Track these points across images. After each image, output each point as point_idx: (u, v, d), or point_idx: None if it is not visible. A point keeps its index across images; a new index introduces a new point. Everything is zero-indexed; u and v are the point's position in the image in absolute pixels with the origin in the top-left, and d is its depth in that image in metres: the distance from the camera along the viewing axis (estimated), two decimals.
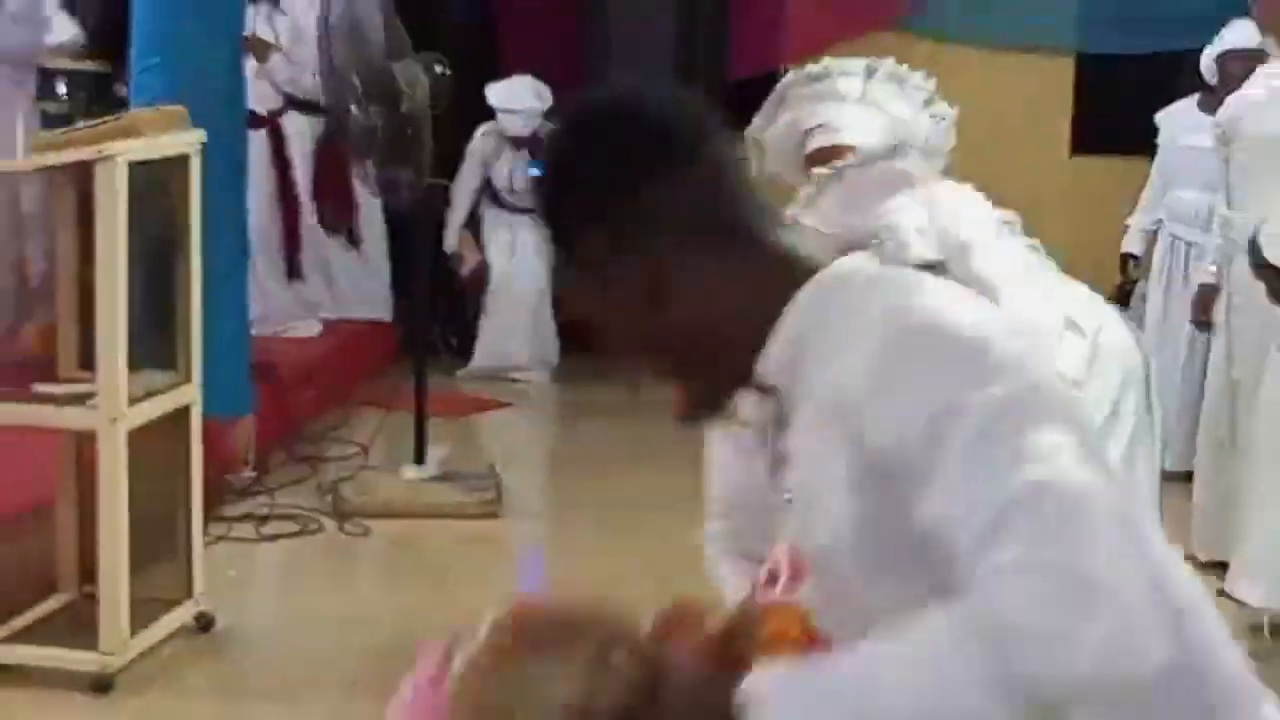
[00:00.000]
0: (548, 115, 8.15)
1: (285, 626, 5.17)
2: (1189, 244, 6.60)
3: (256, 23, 7.65)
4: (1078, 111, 9.42)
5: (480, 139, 8.37)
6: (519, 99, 8.18)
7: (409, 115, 6.67)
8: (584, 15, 8.57)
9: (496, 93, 8.22)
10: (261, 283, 7.52)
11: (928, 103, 3.25)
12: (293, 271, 7.98)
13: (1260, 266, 4.84)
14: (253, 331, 6.62)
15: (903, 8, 8.75)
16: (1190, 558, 5.61)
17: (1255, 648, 5.05)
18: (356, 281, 8.42)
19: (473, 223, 8.52)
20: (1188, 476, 6.00)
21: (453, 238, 8.40)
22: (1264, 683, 1.71)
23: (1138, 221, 7.23)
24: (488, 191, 8.47)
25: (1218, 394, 5.65)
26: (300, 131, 8.06)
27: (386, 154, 7.59)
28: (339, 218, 8.24)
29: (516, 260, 8.39)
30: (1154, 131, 7.30)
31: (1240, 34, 6.21)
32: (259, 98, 7.61)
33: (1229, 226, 5.49)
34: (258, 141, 7.63)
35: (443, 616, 5.31)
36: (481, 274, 8.42)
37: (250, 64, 7.46)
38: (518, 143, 8.30)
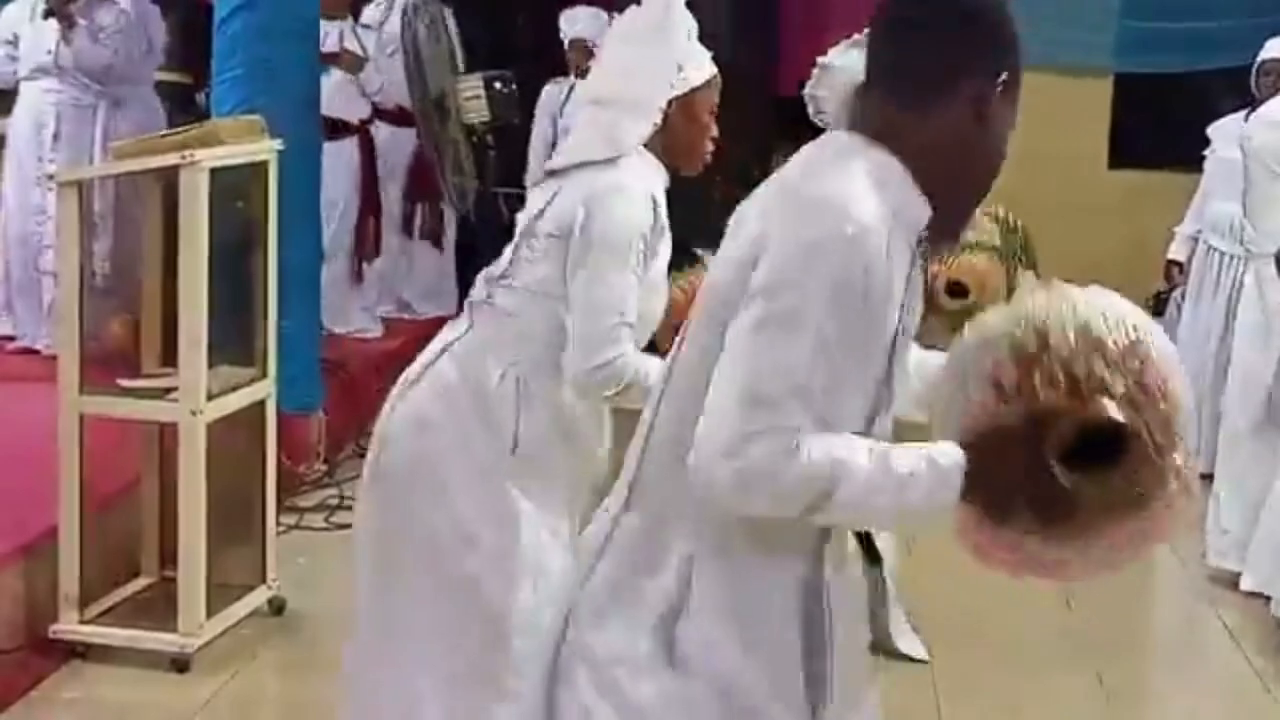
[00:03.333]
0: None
1: (353, 611, 5.19)
2: (1222, 254, 6.54)
3: (346, 37, 7.69)
4: (1115, 127, 9.39)
5: (546, 91, 8.10)
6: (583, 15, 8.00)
7: (469, 128, 6.69)
8: None
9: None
10: (334, 284, 7.52)
11: None
12: (359, 275, 7.99)
13: None
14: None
15: None
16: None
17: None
18: (428, 281, 8.43)
19: None
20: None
21: None
22: None
23: (1183, 228, 7.19)
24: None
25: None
26: (388, 141, 8.07)
27: (453, 164, 7.68)
28: (432, 225, 8.25)
29: None
30: (1188, 146, 7.28)
31: (1277, 47, 6.18)
32: (350, 107, 7.67)
33: (1244, 233, 5.52)
34: (347, 149, 7.66)
35: None
36: None
37: (342, 75, 7.53)
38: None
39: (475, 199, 6.83)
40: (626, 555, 2.14)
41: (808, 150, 2.20)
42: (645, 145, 3.19)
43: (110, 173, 5.34)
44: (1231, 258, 6.30)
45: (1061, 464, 1.95)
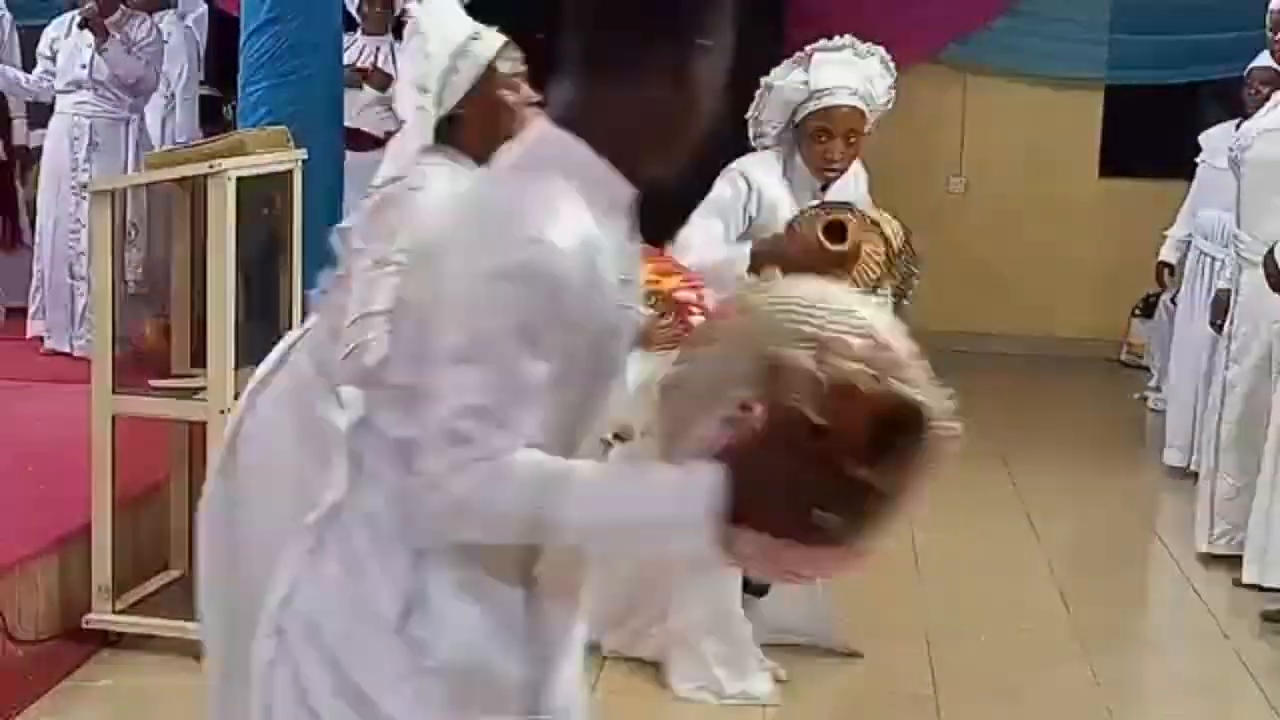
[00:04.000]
0: None
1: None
2: (1213, 259, 6.59)
3: (384, 53, 7.78)
4: (1106, 137, 9.49)
5: None
6: None
7: None
8: None
9: None
10: None
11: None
12: None
13: (1275, 278, 4.90)
14: None
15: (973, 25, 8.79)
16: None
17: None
18: None
19: None
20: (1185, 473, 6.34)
21: None
22: None
23: (1174, 232, 7.25)
24: None
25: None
26: None
27: None
28: None
29: None
30: (1175, 155, 7.37)
31: (1266, 57, 6.26)
32: (377, 121, 7.75)
33: (1239, 242, 5.56)
34: (369, 162, 7.73)
35: None
36: None
37: (373, 92, 7.62)
38: None
39: None
40: (353, 551, 1.99)
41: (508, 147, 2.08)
42: (465, 149, 3.16)
43: (141, 182, 5.44)
44: (1222, 262, 6.38)
45: (858, 461, 1.78)
